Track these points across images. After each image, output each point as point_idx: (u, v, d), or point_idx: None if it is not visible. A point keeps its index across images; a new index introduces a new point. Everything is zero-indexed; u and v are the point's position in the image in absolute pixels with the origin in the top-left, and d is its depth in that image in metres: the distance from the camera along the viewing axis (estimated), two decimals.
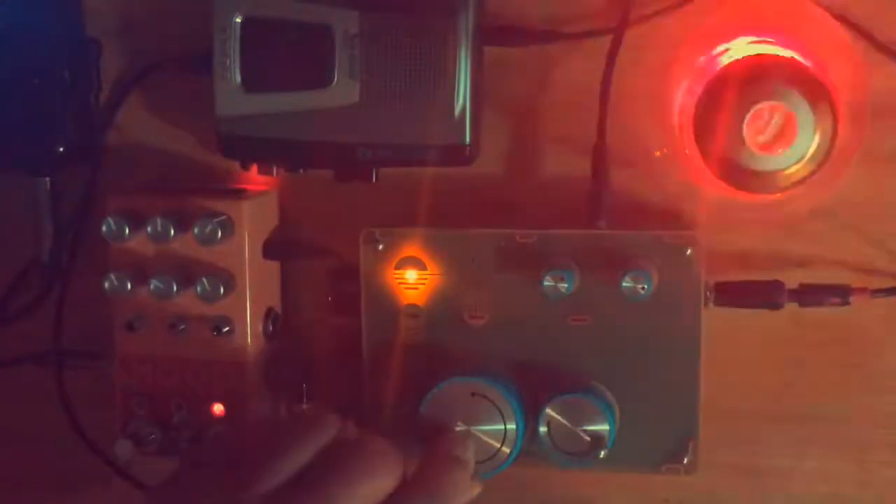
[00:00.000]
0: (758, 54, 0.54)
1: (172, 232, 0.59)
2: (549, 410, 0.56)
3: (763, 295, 0.58)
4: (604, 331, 0.58)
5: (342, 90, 0.57)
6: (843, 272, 0.58)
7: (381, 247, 0.59)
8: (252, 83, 0.57)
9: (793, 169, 0.53)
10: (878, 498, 0.61)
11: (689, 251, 0.57)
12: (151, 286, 0.59)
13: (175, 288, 0.59)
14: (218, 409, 0.61)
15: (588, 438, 0.56)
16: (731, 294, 0.58)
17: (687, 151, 0.55)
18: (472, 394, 0.56)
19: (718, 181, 0.54)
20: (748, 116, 0.52)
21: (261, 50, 0.57)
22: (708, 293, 0.57)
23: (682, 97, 0.56)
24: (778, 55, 0.54)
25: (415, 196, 0.60)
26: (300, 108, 0.57)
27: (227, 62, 0.57)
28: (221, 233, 0.59)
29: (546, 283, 0.56)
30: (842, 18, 0.55)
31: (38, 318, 0.66)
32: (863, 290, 0.57)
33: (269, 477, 0.47)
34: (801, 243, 0.59)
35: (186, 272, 0.60)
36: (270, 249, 0.61)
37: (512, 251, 0.58)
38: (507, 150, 0.60)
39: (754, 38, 0.55)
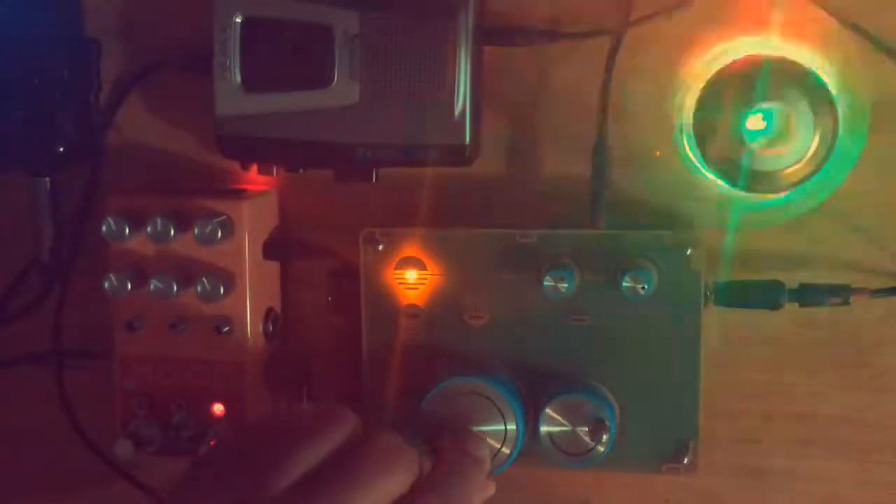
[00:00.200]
0: (758, 54, 0.54)
1: (172, 232, 0.59)
2: (549, 410, 0.56)
3: (763, 295, 0.58)
4: (604, 331, 0.58)
5: (342, 90, 0.57)
6: (843, 272, 0.58)
7: (381, 247, 0.59)
8: (252, 83, 0.57)
9: (793, 169, 0.53)
10: (878, 498, 0.61)
11: (689, 251, 0.57)
12: (151, 286, 0.59)
13: (175, 288, 0.59)
14: (218, 408, 0.61)
15: (588, 438, 0.56)
16: (731, 294, 0.58)
17: (687, 151, 0.55)
18: (473, 394, 0.56)
19: (718, 181, 0.54)
20: (748, 116, 0.52)
21: (261, 50, 0.57)
22: (708, 293, 0.57)
23: (682, 97, 0.56)
24: (778, 55, 0.54)
25: (415, 196, 0.60)
26: (300, 108, 0.57)
27: (227, 62, 0.57)
28: (221, 233, 0.59)
29: (546, 283, 0.56)
30: (842, 18, 0.55)
31: (38, 318, 0.66)
32: (863, 290, 0.57)
33: (285, 474, 0.46)
34: (801, 243, 0.59)
35: (186, 272, 0.60)
36: (270, 249, 0.61)
37: (512, 251, 0.58)
38: (507, 150, 0.60)
39: (754, 39, 0.55)
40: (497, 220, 0.60)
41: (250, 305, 0.60)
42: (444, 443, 0.53)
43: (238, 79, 0.57)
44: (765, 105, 0.52)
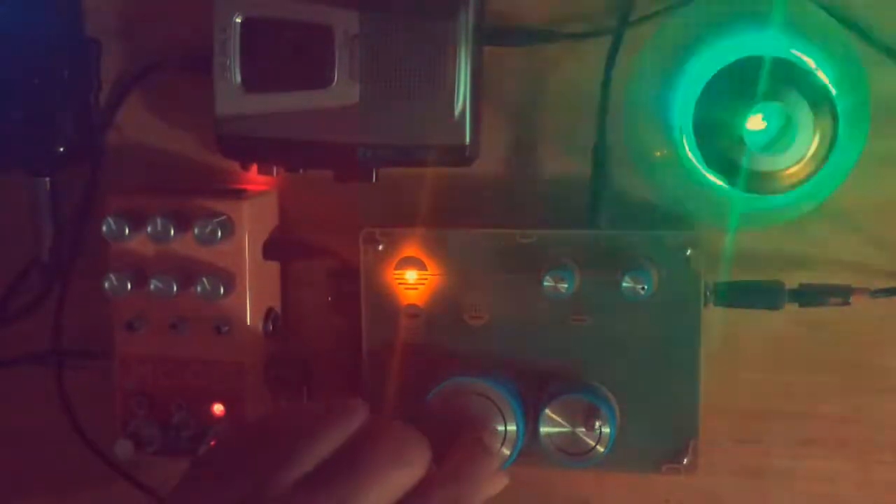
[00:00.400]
0: (757, 55, 0.54)
1: (172, 232, 0.59)
2: (548, 411, 0.56)
3: (763, 295, 0.58)
4: (604, 331, 0.58)
5: (342, 90, 0.57)
6: (843, 272, 0.58)
7: (381, 247, 0.59)
8: (252, 83, 0.57)
9: (793, 169, 0.53)
10: (878, 498, 0.61)
11: (689, 251, 0.57)
12: (151, 286, 0.59)
13: (175, 288, 0.59)
14: (218, 409, 0.61)
15: (588, 438, 0.56)
16: (731, 294, 0.58)
17: (687, 151, 0.55)
18: (473, 394, 0.56)
19: (718, 181, 0.54)
20: (748, 117, 0.52)
21: (261, 50, 0.57)
22: (708, 293, 0.57)
23: (682, 97, 0.55)
24: (778, 55, 0.54)
25: (415, 196, 0.60)
26: (300, 108, 0.57)
27: (227, 62, 0.57)
28: (221, 233, 0.59)
29: (546, 283, 0.56)
30: (842, 18, 0.55)
31: (38, 318, 0.66)
32: (863, 290, 0.57)
33: (286, 473, 0.46)
34: (801, 243, 0.59)
35: (186, 272, 0.60)
36: (270, 249, 0.61)
37: (512, 251, 0.58)
38: (507, 150, 0.60)
39: (754, 39, 0.55)
40: (497, 220, 0.60)
41: (250, 305, 0.60)
42: (454, 434, 0.53)
43: (238, 79, 0.57)
44: (765, 105, 0.52)
